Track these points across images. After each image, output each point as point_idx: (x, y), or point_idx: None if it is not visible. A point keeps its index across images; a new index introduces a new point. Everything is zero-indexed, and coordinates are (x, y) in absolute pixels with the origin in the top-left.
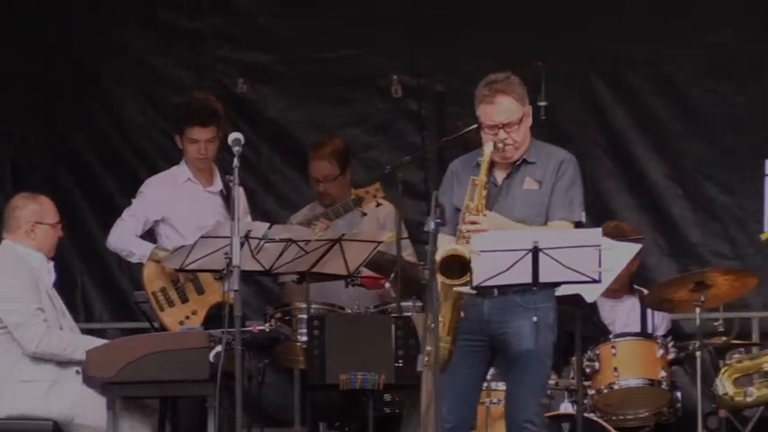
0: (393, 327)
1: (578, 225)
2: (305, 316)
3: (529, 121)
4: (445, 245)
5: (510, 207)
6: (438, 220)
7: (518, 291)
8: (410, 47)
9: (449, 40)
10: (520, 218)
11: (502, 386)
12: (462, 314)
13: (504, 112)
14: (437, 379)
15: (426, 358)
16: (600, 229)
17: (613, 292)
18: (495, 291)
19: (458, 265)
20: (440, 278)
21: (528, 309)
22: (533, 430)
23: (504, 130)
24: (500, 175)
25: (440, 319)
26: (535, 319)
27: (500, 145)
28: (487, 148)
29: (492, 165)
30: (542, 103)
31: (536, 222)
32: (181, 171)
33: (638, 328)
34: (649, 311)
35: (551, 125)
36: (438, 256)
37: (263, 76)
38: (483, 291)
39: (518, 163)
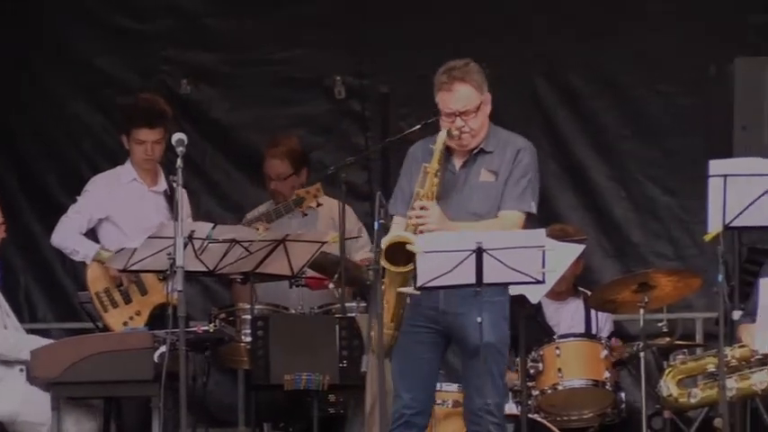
0: (337, 327)
1: (529, 216)
2: (249, 316)
3: (487, 109)
4: (394, 229)
5: (467, 199)
6: (382, 221)
7: None
8: (354, 48)
9: (392, 42)
10: (476, 211)
11: (447, 387)
12: (408, 300)
13: (461, 99)
14: (381, 380)
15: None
16: (543, 230)
17: (558, 294)
18: None
19: (404, 252)
20: (384, 264)
21: (482, 302)
22: (492, 421)
23: (462, 118)
24: (457, 163)
25: (384, 304)
26: (479, 320)
27: (456, 132)
28: (440, 136)
29: (450, 152)
30: None
31: (492, 215)
32: (126, 171)
33: (582, 330)
34: (593, 313)
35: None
36: (384, 242)
37: (207, 77)
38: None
39: (475, 152)
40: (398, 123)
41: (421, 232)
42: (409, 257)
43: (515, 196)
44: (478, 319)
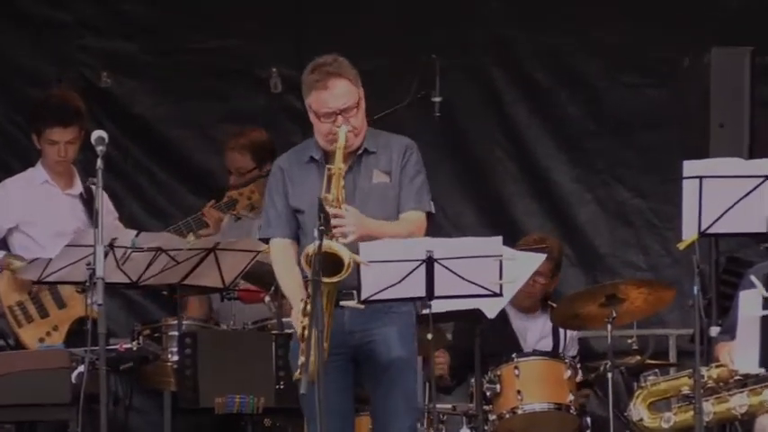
0: (273, 345)
1: (429, 216)
2: (176, 333)
3: (363, 105)
4: (281, 249)
5: (360, 204)
6: (322, 228)
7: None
8: (292, 36)
9: (335, 30)
10: (374, 215)
11: None
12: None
13: (340, 96)
14: (320, 392)
15: (298, 371)
16: (500, 237)
17: (525, 308)
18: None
19: (328, 262)
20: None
21: (391, 313)
22: None
23: (343, 116)
24: None
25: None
26: (413, 330)
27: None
28: (342, 132)
29: (328, 156)
30: (437, 99)
31: (392, 218)
32: (37, 173)
33: (550, 348)
34: (561, 330)
35: (447, 122)
36: (305, 251)
37: (129, 68)
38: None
39: (359, 153)
40: None
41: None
42: (334, 267)
43: (413, 196)
44: (412, 330)
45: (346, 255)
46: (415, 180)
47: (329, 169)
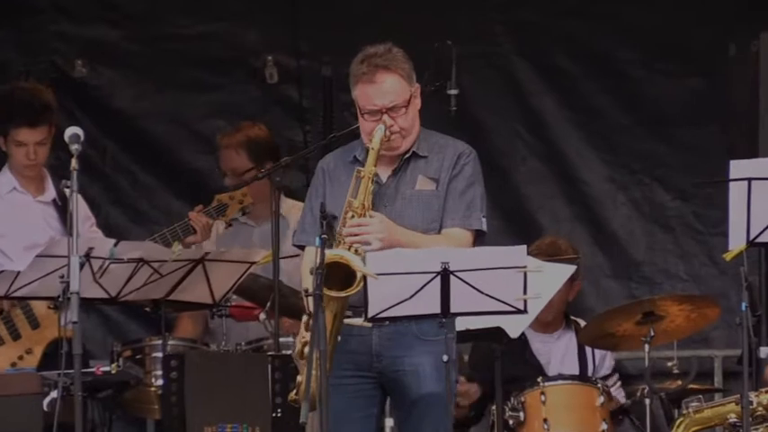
0: (270, 368)
1: (478, 235)
2: (160, 354)
3: (417, 104)
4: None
5: (400, 212)
6: (324, 236)
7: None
8: (288, 21)
9: (338, 13)
10: (414, 226)
11: None
12: (338, 338)
13: (387, 93)
14: (324, 418)
15: (295, 392)
16: (525, 247)
17: (545, 326)
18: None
19: (340, 274)
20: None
21: (426, 341)
22: None
23: (389, 115)
24: (384, 172)
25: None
26: (446, 358)
27: (387, 132)
28: (378, 133)
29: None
30: (453, 92)
31: (432, 231)
32: (4, 179)
33: (576, 371)
34: (589, 349)
35: (464, 117)
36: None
37: (107, 57)
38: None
39: (407, 156)
40: (343, 114)
41: (358, 251)
42: (346, 280)
43: (461, 211)
44: (444, 358)
45: (360, 266)
46: (466, 193)
47: (358, 171)
